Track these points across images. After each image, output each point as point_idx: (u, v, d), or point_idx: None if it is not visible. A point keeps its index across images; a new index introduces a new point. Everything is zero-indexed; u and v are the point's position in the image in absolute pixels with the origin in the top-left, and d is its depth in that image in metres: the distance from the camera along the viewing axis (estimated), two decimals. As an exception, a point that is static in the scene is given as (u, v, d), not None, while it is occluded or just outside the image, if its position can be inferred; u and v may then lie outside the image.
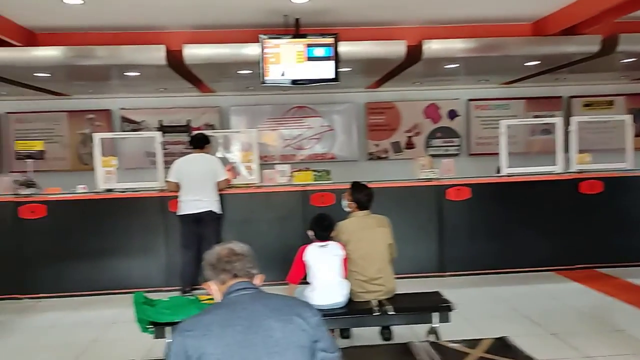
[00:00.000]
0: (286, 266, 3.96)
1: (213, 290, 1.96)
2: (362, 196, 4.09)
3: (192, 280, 5.81)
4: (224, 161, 6.44)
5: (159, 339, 3.62)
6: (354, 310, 3.83)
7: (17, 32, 6.46)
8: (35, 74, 7.29)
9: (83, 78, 7.81)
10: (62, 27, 6.68)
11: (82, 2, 5.70)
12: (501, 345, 2.91)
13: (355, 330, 4.27)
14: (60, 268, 5.91)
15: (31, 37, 6.77)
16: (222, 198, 5.89)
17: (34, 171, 6.45)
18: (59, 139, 9.74)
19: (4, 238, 5.87)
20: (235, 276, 1.93)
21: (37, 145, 6.75)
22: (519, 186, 6.26)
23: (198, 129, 9.41)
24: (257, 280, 1.99)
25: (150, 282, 5.89)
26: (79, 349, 4.35)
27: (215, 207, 5.78)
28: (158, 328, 3.60)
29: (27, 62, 6.62)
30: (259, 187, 6.29)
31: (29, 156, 6.60)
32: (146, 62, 6.71)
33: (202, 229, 5.76)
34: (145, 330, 3.62)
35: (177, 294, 5.61)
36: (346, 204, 4.22)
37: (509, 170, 6.32)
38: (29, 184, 6.12)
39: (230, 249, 1.98)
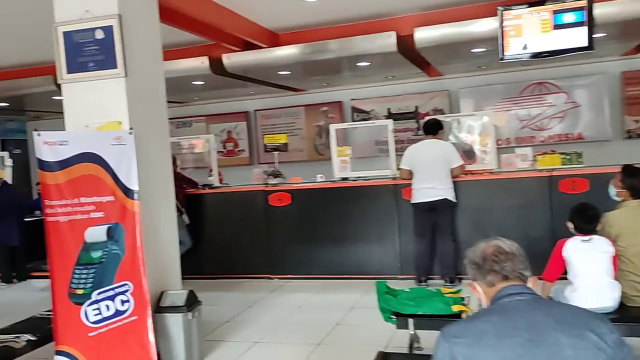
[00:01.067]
0: (530, 260, 3.52)
1: (479, 292, 1.72)
2: (637, 182, 3.41)
3: (427, 269, 5.67)
4: (457, 147, 6.14)
5: (402, 330, 3.53)
6: (628, 317, 3.22)
7: (263, 34, 7.06)
8: (278, 72, 7.91)
9: (318, 72, 8.23)
10: (300, 25, 7.09)
11: (318, -2, 5.94)
12: None
13: (629, 341, 3.61)
14: (304, 252, 6.30)
15: (274, 38, 7.34)
16: (455, 185, 5.60)
17: (279, 162, 7.00)
18: (298, 132, 10.50)
19: (257, 223, 6.47)
20: (506, 278, 1.66)
21: (282, 139, 7.32)
22: None
23: (426, 114, 9.22)
24: (531, 283, 1.70)
25: (385, 269, 5.91)
26: (324, 330, 4.53)
27: (450, 195, 5.52)
28: (401, 319, 3.50)
29: (271, 62, 7.21)
30: (495, 173, 5.84)
31: (275, 149, 7.19)
32: (377, 50, 6.74)
33: (436, 217, 5.56)
34: (388, 319, 3.56)
35: (411, 282, 5.54)
36: (615, 191, 3.58)
37: None
38: (276, 174, 6.66)
39: (497, 246, 1.72)
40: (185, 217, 6.26)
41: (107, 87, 3.84)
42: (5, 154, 8.00)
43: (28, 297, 7.05)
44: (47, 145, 3.46)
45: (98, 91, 3.85)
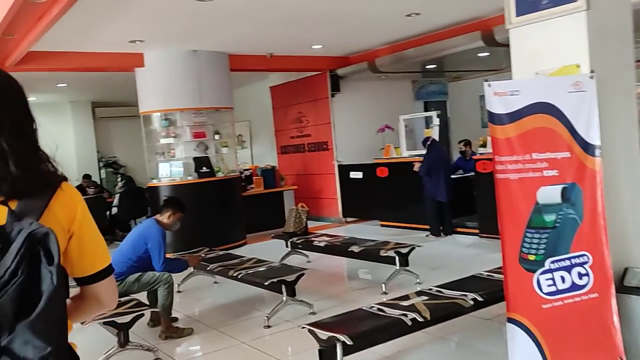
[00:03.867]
0: None
1: None
2: None
3: None
4: None
5: None
6: None
7: None
8: None
9: None
10: None
11: None
12: None
13: None
14: None
15: None
16: None
17: None
18: None
19: None
20: None
21: None
22: None
23: None
24: None
25: None
26: None
27: None
28: None
29: None
30: None
31: None
32: None
33: None
34: None
35: None
36: None
37: None
38: None
39: None
40: None
41: (563, 25, 3.30)
42: (434, 113, 8.47)
43: (455, 251, 7.35)
44: (497, 96, 3.19)
45: (551, 31, 3.36)
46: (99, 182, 11.97)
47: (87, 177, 10.73)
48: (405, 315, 3.46)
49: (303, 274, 4.92)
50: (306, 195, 10.36)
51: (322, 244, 6.29)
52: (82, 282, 1.33)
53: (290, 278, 4.83)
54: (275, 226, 8.96)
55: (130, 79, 8.56)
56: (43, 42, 6.46)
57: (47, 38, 6.25)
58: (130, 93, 8.97)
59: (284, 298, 4.84)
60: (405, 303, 3.70)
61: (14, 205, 1.19)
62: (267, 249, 7.67)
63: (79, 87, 10.75)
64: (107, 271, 1.36)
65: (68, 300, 1.27)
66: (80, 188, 10.33)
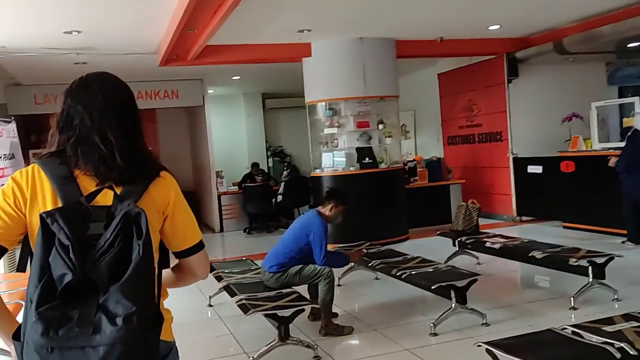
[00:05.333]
0: None
1: None
2: None
3: None
4: None
5: None
6: None
7: None
8: None
9: None
10: None
11: None
12: None
13: None
14: None
15: None
16: None
17: None
18: None
19: None
20: None
21: None
22: None
23: None
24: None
25: None
26: None
27: None
28: None
29: None
30: None
31: None
32: None
33: None
34: None
35: None
36: None
37: None
38: None
39: None
40: None
41: None
42: (636, 99, 7.21)
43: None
44: None
45: None
46: (266, 171, 12.43)
47: (255, 165, 11.14)
48: (611, 344, 2.78)
49: (476, 280, 4.36)
50: (475, 190, 9.59)
51: (496, 246, 5.62)
52: (178, 255, 1.60)
53: (461, 283, 4.31)
54: (439, 222, 8.61)
55: (297, 70, 8.62)
56: (219, 36, 6.69)
57: (223, 32, 6.45)
58: (296, 84, 9.07)
59: (453, 305, 4.34)
60: (609, 328, 3.00)
61: (119, 190, 1.45)
62: (431, 247, 7.25)
63: (251, 79, 11.20)
64: (197, 247, 1.61)
65: (168, 270, 1.62)
66: (249, 176, 10.80)
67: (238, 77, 10.79)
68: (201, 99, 10.67)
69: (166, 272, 1.60)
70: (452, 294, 4.32)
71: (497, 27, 8.10)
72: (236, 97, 13.30)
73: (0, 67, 7.88)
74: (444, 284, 4.27)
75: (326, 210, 4.65)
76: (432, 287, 4.27)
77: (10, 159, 5.74)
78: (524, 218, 9.37)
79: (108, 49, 7.27)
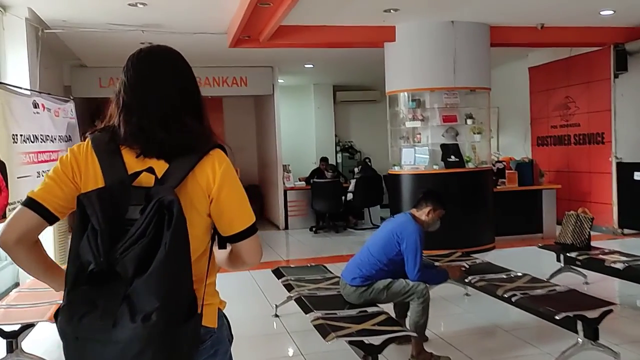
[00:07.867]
0: None
1: None
2: None
3: None
4: None
5: None
6: None
7: None
8: None
9: None
10: None
11: None
12: None
13: None
14: None
15: None
16: None
17: None
18: None
19: None
20: None
21: None
22: None
23: None
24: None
25: None
26: None
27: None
28: None
29: None
30: None
31: None
32: None
33: None
34: None
35: None
36: None
37: None
38: None
39: None
40: None
41: None
42: None
43: None
44: None
45: None
46: (335, 166, 11.74)
47: (324, 160, 10.47)
48: None
49: (611, 311, 3.48)
50: (570, 197, 8.56)
51: (618, 266, 4.67)
52: (228, 240, 1.49)
53: (593, 314, 3.44)
54: (528, 231, 7.94)
55: (374, 59, 7.91)
56: (294, 15, 6.08)
57: (299, 10, 5.85)
58: (370, 76, 8.36)
59: (580, 340, 3.48)
60: None
61: (161, 166, 1.38)
62: (520, 258, 6.46)
63: (323, 68, 10.51)
64: (246, 233, 1.47)
65: (225, 251, 1.53)
66: (317, 171, 10.15)
67: (311, 66, 10.12)
68: (271, 88, 10.11)
69: (223, 253, 1.54)
70: (580, 325, 3.47)
71: (611, 12, 7.05)
72: (306, 88, 12.67)
73: (63, 45, 7.52)
74: (571, 314, 3.41)
75: (422, 214, 3.89)
76: (557, 317, 3.42)
77: (66, 141, 5.31)
78: (626, 231, 8.26)
79: (175, 27, 6.77)
